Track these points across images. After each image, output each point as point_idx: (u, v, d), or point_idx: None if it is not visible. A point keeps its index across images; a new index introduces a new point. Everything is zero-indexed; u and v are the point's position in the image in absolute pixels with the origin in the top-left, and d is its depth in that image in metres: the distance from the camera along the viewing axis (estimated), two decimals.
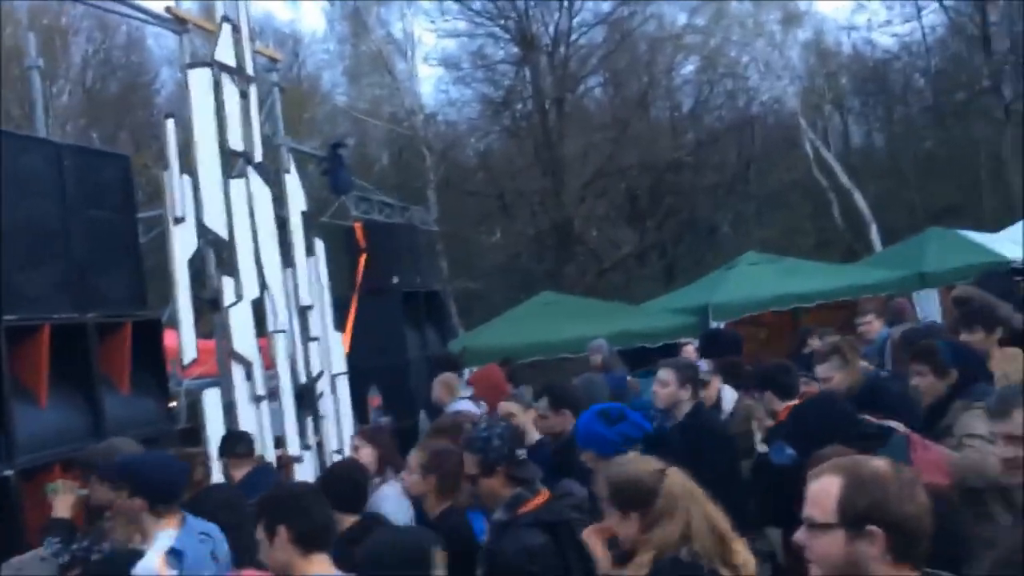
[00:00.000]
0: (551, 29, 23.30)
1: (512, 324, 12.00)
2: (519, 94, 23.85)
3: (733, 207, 24.01)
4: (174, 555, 3.21)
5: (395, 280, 11.04)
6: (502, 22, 23.33)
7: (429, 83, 41.60)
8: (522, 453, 3.51)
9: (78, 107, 23.45)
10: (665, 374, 4.68)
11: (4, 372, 4.96)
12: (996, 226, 14.48)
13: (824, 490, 1.96)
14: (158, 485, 3.36)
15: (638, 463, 2.77)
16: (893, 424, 3.75)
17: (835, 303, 10.81)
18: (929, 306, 11.00)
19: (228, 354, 6.36)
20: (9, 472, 4.92)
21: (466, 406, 6.16)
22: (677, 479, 2.64)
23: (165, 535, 3.28)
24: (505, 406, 5.14)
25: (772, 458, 4.06)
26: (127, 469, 3.43)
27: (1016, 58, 24.00)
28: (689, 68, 25.62)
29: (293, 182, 7.80)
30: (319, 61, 26.55)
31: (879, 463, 2.00)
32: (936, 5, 25.59)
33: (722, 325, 10.24)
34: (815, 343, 6.29)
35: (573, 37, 23.55)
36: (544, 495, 3.39)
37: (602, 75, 24.94)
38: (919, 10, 25.64)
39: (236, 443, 5.01)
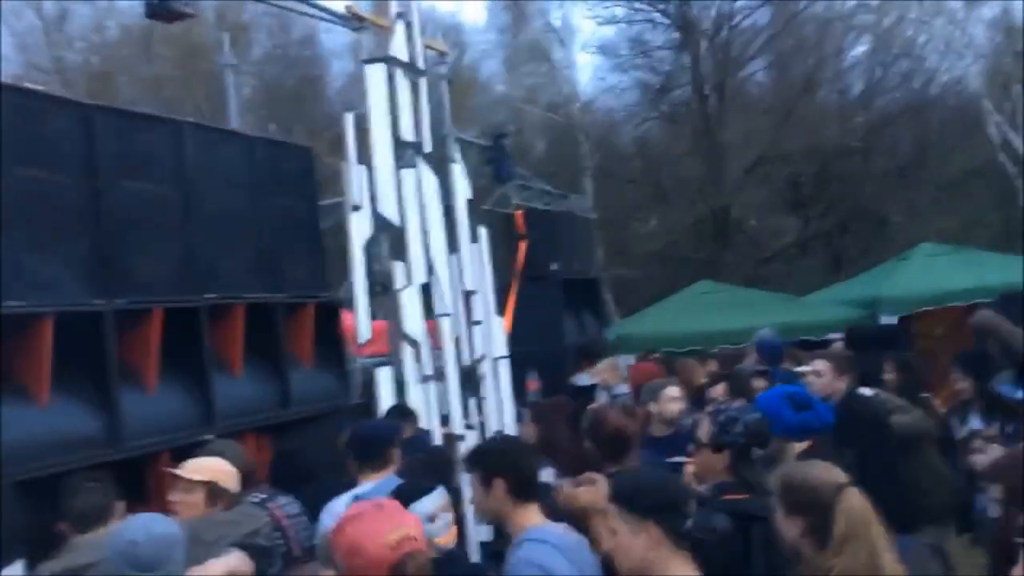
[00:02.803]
0: (712, 12, 22.83)
1: (669, 313, 11.93)
2: (678, 80, 23.50)
3: (906, 195, 22.77)
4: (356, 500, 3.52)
5: (554, 267, 11.22)
6: (661, 7, 23.03)
7: (587, 71, 41.66)
8: (757, 453, 3.54)
9: (258, 100, 24.95)
10: (820, 364, 5.05)
11: (205, 347, 5.44)
12: None
13: None
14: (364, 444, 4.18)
15: (819, 470, 2.73)
16: None
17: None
18: None
19: (399, 335, 6.70)
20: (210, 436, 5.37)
21: (625, 391, 6.37)
22: (856, 501, 2.57)
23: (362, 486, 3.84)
24: None
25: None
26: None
27: None
28: (860, 49, 24.45)
29: (459, 171, 8.07)
30: (479, 51, 27.14)
31: None
32: None
33: (894, 319, 9.81)
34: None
35: (735, 20, 22.97)
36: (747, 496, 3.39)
37: (766, 58, 24.20)
38: None
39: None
